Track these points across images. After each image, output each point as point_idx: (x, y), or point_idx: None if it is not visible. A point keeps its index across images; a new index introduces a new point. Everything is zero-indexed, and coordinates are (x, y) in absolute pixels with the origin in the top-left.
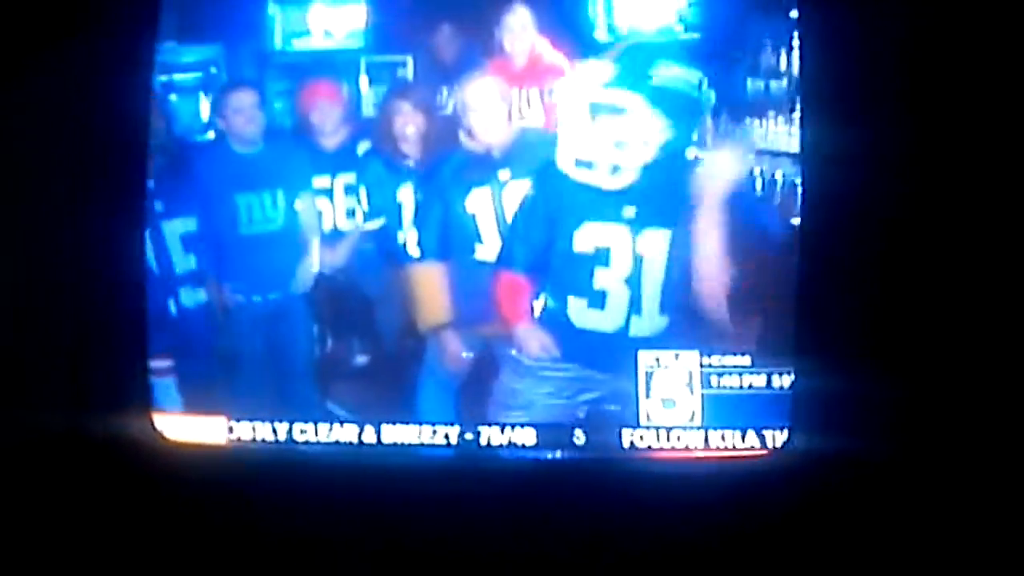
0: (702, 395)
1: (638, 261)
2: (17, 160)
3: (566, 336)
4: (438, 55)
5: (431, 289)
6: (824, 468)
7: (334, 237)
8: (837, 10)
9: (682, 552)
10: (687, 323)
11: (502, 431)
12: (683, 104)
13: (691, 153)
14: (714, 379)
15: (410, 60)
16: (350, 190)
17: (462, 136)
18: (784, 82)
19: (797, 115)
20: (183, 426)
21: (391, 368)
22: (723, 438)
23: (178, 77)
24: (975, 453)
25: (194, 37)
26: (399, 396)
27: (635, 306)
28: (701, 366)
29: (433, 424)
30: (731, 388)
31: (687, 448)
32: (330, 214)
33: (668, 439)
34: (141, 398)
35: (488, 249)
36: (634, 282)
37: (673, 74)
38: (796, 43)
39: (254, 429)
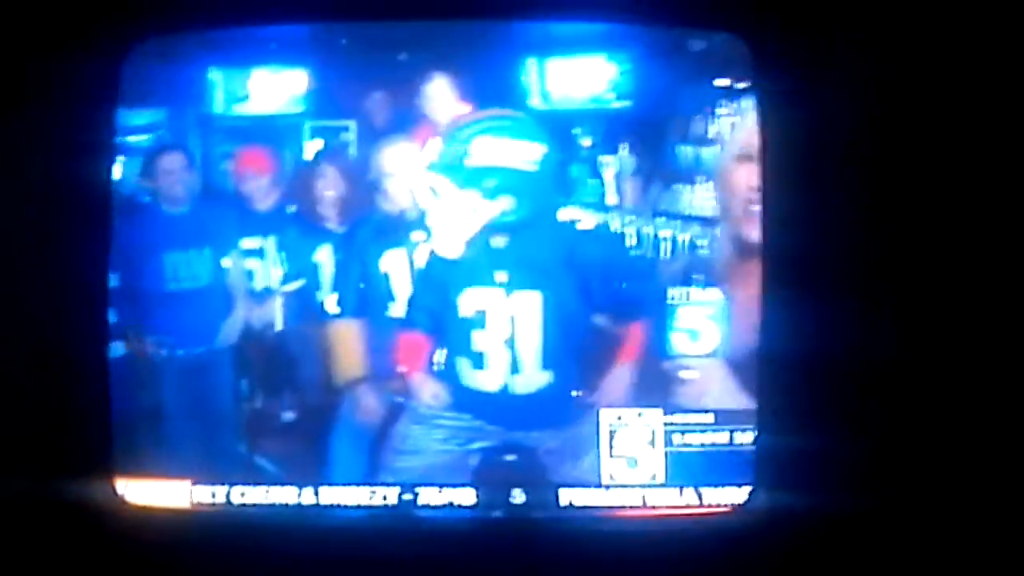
0: (665, 453)
1: (512, 322)
2: None
3: (456, 390)
4: (373, 121)
5: (348, 345)
6: (787, 524)
7: (261, 295)
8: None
9: None
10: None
11: (440, 491)
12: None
13: (563, 215)
14: (676, 437)
15: (353, 124)
16: (276, 250)
17: (379, 199)
18: (703, 149)
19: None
20: (145, 490)
21: (313, 422)
22: (686, 495)
23: (127, 139)
24: (938, 507)
25: (141, 101)
26: (320, 449)
27: (515, 366)
28: (664, 424)
29: (372, 485)
30: (693, 446)
31: (650, 506)
32: (258, 273)
33: (630, 498)
34: (103, 462)
35: (399, 307)
36: (510, 343)
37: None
38: (720, 111)
39: (213, 493)
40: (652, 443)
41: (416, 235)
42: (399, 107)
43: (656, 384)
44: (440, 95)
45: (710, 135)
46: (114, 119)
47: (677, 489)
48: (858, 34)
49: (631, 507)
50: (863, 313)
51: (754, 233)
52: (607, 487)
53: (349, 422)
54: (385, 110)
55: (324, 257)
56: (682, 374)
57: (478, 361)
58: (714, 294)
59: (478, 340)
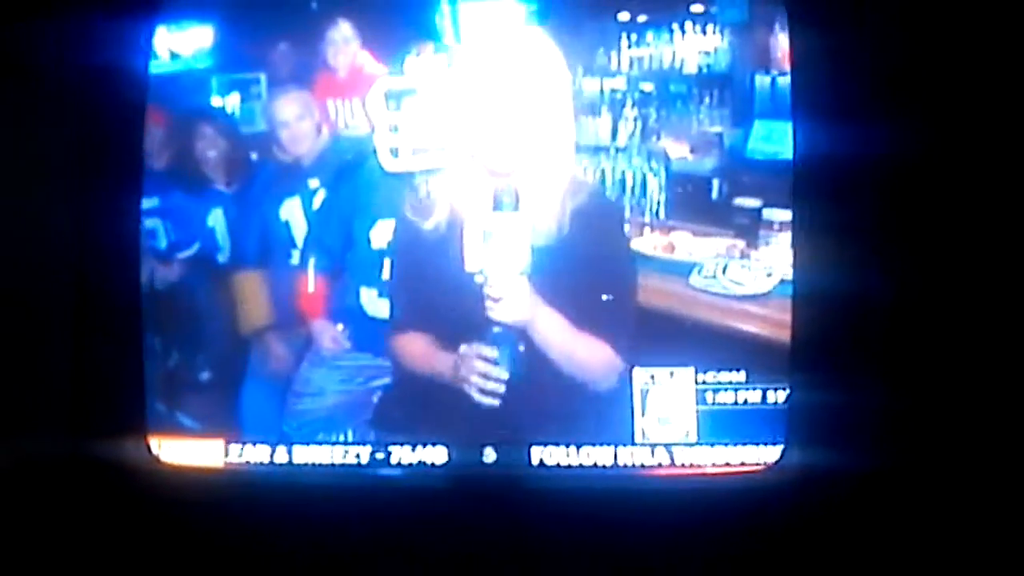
0: (696, 412)
1: None
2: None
3: (357, 327)
4: (279, 72)
5: (252, 297)
6: (819, 483)
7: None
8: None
9: (676, 570)
10: None
11: (413, 449)
12: None
13: None
14: (709, 395)
15: (263, 77)
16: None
17: (274, 149)
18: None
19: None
20: (180, 449)
21: (227, 376)
22: (718, 455)
23: None
24: (971, 465)
25: None
26: (234, 402)
27: None
28: (696, 383)
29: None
30: (726, 404)
31: (683, 465)
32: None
33: (655, 456)
34: (137, 420)
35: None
36: None
37: None
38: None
39: (244, 451)
40: (684, 402)
41: (312, 182)
42: (302, 56)
43: None
44: (343, 40)
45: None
46: None
47: (708, 447)
48: None
49: (663, 466)
50: (900, 268)
51: None
52: (639, 445)
53: (259, 372)
54: (290, 60)
55: (216, 219)
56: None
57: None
58: None
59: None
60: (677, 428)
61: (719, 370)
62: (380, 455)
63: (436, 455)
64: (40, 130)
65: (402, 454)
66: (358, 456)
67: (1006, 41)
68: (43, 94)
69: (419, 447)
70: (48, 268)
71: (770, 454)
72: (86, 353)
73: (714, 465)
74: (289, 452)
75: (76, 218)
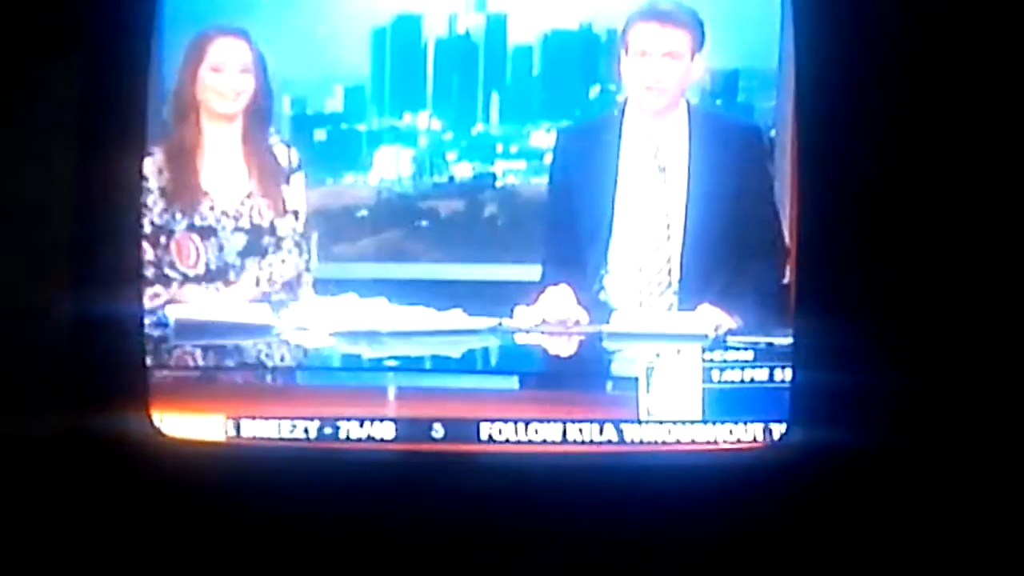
0: (703, 389)
1: None
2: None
3: None
4: None
5: None
6: (822, 460)
7: None
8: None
9: (681, 546)
10: None
11: (360, 425)
12: None
13: None
14: (715, 373)
15: None
16: None
17: None
18: None
19: None
20: (182, 423)
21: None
22: (724, 432)
23: None
24: (973, 447)
25: None
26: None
27: None
28: (702, 361)
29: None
30: (732, 382)
31: (689, 442)
32: None
33: (662, 433)
34: (140, 395)
35: None
36: None
37: None
38: None
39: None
40: (690, 379)
41: None
42: None
43: None
44: None
45: None
46: None
47: (715, 425)
48: None
49: (668, 443)
50: (904, 249)
51: None
52: (644, 422)
53: None
54: None
55: None
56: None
57: None
58: None
59: None
60: (683, 406)
61: (726, 348)
62: (328, 430)
63: (383, 431)
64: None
65: (350, 429)
66: (306, 431)
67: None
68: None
69: (367, 423)
70: (46, 241)
71: (774, 432)
72: (87, 327)
73: (717, 442)
74: (237, 426)
75: (76, 190)
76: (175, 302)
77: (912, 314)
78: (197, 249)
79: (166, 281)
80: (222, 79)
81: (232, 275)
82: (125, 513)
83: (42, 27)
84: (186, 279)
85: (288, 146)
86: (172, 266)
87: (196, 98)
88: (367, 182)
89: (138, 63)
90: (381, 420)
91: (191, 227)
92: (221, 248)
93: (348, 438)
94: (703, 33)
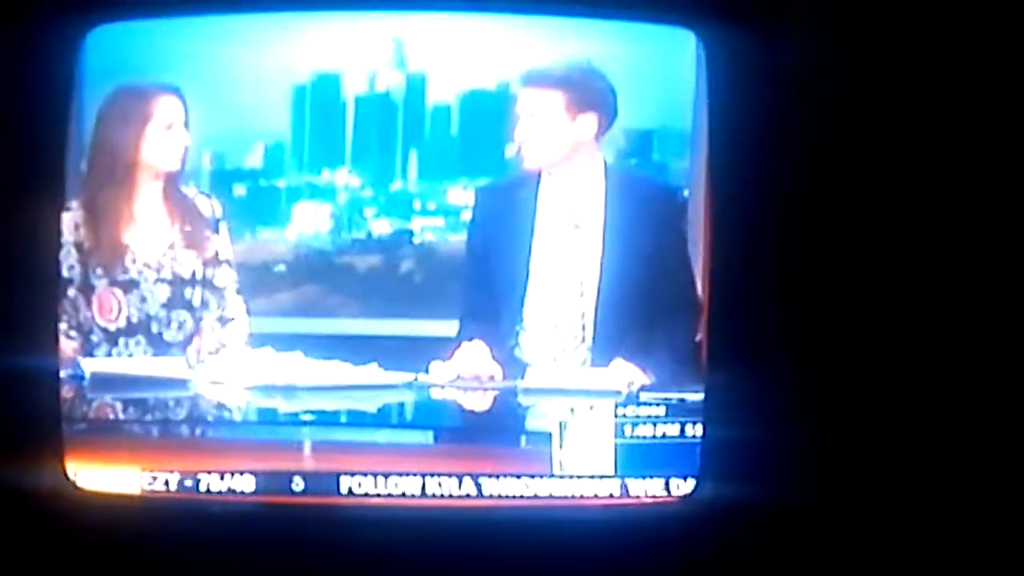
0: (615, 444)
1: None
2: None
3: None
4: None
5: None
6: (733, 516)
7: None
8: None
9: None
10: None
11: (221, 478)
12: None
13: None
14: (628, 428)
15: None
16: None
17: None
18: None
19: None
20: (96, 476)
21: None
22: (635, 487)
23: None
24: (884, 504)
25: None
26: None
27: None
28: (615, 416)
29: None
30: (644, 438)
31: (602, 496)
32: None
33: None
34: (54, 447)
35: None
36: None
37: None
38: None
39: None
40: (603, 434)
41: None
42: None
43: None
44: None
45: None
46: None
47: (627, 479)
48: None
49: (581, 497)
50: (813, 310)
51: None
52: (558, 476)
53: None
54: None
55: None
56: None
57: None
58: None
59: None
60: (596, 460)
61: (639, 404)
62: (189, 482)
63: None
64: None
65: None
66: (167, 482)
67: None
68: None
69: (227, 475)
70: None
71: (685, 487)
72: (3, 377)
73: (629, 497)
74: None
75: None
76: (93, 356)
77: (822, 373)
78: (119, 303)
79: (87, 335)
80: (172, 138)
81: (155, 327)
82: (37, 565)
83: None
84: (107, 333)
85: (209, 197)
86: (93, 321)
87: (139, 156)
88: (285, 237)
89: (59, 113)
90: (292, 473)
91: (112, 282)
92: (143, 300)
93: (262, 491)
94: (586, 91)
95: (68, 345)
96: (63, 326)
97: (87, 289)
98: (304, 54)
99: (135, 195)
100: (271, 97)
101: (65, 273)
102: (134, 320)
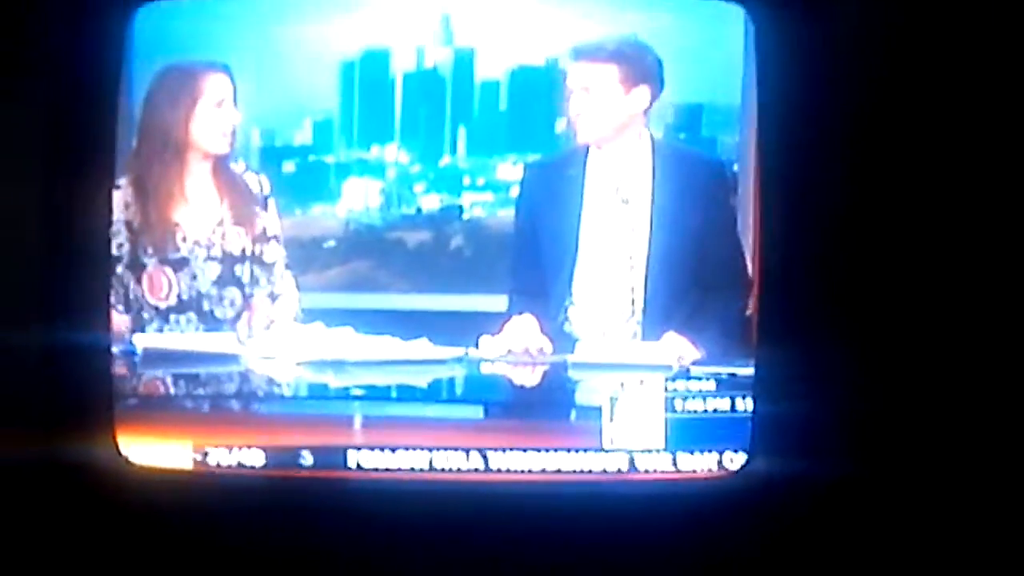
0: (665, 419)
1: None
2: None
3: None
4: None
5: None
6: (784, 491)
7: None
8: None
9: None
10: None
11: (272, 453)
12: None
13: None
14: (678, 403)
15: None
16: None
17: None
18: None
19: None
20: (149, 451)
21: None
22: (686, 461)
23: None
24: (934, 477)
25: None
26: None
27: None
28: (665, 390)
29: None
30: (694, 412)
31: (652, 471)
32: None
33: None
34: (106, 422)
35: None
36: None
37: None
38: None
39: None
40: (653, 409)
41: None
42: None
43: None
44: None
45: None
46: None
47: (677, 454)
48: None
49: (631, 472)
50: (865, 281)
51: None
52: (608, 451)
53: None
54: None
55: None
56: None
57: None
58: None
59: None
60: (646, 435)
61: (689, 379)
62: (240, 457)
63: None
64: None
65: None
66: (218, 458)
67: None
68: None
69: (278, 451)
70: (16, 268)
71: (736, 461)
72: (55, 355)
73: (680, 471)
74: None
75: (47, 216)
76: (144, 332)
77: (873, 345)
78: (169, 281)
79: (138, 313)
80: (222, 116)
81: (206, 304)
82: (90, 540)
83: (8, 53)
84: (157, 311)
85: (257, 173)
86: (143, 299)
87: (188, 135)
88: (335, 213)
89: (109, 92)
90: (347, 448)
91: (163, 260)
92: (194, 278)
93: (312, 466)
94: (639, 64)
95: (120, 321)
96: (114, 303)
97: (137, 267)
98: (352, 30)
99: (185, 173)
100: (320, 74)
101: (115, 251)
102: (184, 298)
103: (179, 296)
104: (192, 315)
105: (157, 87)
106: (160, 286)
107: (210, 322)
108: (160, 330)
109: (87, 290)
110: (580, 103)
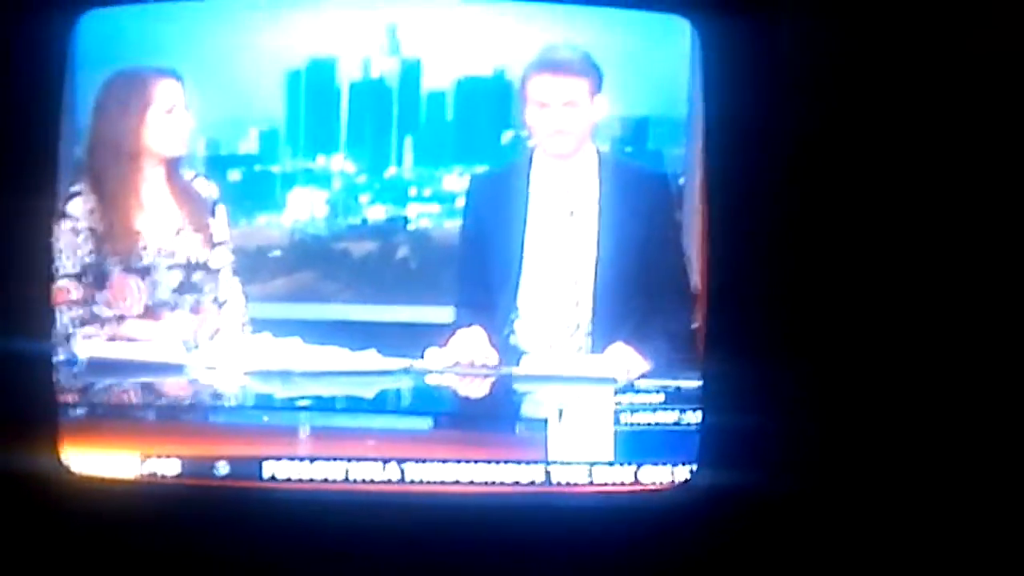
0: (613, 432)
1: None
2: None
3: None
4: None
5: None
6: (731, 503)
7: None
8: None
9: None
10: None
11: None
12: None
13: None
14: (625, 415)
15: None
16: None
17: None
18: None
19: None
20: (92, 461)
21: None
22: (633, 474)
23: None
24: (880, 490)
25: None
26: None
27: None
28: (613, 403)
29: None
30: (641, 424)
31: (599, 483)
32: None
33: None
34: (49, 431)
35: None
36: None
37: None
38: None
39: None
40: (600, 421)
41: None
42: None
43: None
44: None
45: None
46: None
47: (624, 466)
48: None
49: (578, 484)
50: (809, 294)
51: None
52: (553, 463)
53: None
54: None
55: None
56: None
57: None
58: None
59: None
60: (593, 447)
61: (636, 391)
62: (185, 467)
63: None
64: None
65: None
66: (163, 468)
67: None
68: None
69: (224, 461)
70: None
71: (682, 474)
72: None
73: (626, 484)
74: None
75: None
76: (111, 340)
77: (818, 359)
78: (137, 288)
79: (99, 321)
80: (174, 121)
81: (164, 313)
82: (31, 551)
83: None
84: (120, 319)
85: (207, 179)
86: (107, 306)
87: (141, 141)
88: (281, 223)
89: (52, 98)
90: (291, 459)
91: (128, 269)
92: (155, 286)
93: (259, 477)
94: (599, 74)
95: (84, 331)
96: (72, 312)
97: (101, 275)
98: (299, 39)
99: (140, 180)
100: (266, 83)
101: (85, 258)
102: (149, 304)
103: (145, 304)
104: (150, 323)
105: (106, 94)
106: (125, 294)
107: (166, 330)
108: (112, 338)
109: (29, 298)
110: (562, 118)
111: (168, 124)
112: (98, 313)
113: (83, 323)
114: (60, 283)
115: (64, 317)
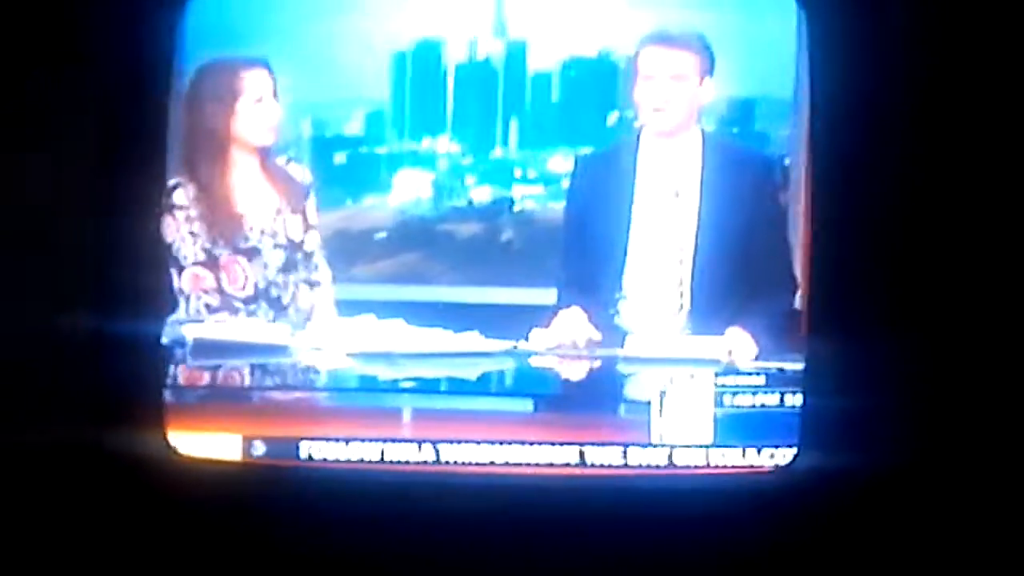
0: (714, 414)
1: None
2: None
3: None
4: None
5: None
6: (833, 486)
7: None
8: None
9: (691, 570)
10: None
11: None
12: None
13: None
14: (727, 398)
15: None
16: None
17: None
18: None
19: None
20: (197, 442)
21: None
22: (735, 456)
23: None
24: (984, 471)
25: None
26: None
27: None
28: (714, 385)
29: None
30: (743, 407)
31: (700, 466)
32: None
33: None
34: (156, 413)
35: None
36: None
37: None
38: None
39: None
40: (702, 403)
41: None
42: None
43: None
44: None
45: None
46: None
47: (726, 449)
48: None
49: (679, 467)
50: (913, 277)
51: None
52: (656, 446)
53: None
54: None
55: None
56: None
57: None
58: None
59: None
60: (694, 430)
61: (738, 373)
62: (289, 449)
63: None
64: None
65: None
66: (267, 449)
67: None
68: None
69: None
70: (70, 260)
71: (784, 456)
72: (106, 346)
73: (728, 466)
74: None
75: (96, 212)
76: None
77: (922, 339)
78: (244, 271)
79: (221, 304)
80: (263, 111)
81: (274, 292)
82: (138, 531)
83: (62, 45)
84: (233, 301)
85: (300, 164)
86: (222, 291)
87: (231, 131)
88: (386, 204)
89: (161, 85)
90: (395, 441)
91: (236, 250)
92: (265, 267)
93: (362, 459)
94: (711, 57)
95: (214, 317)
96: (192, 296)
97: (212, 259)
98: (405, 21)
99: (235, 168)
100: (371, 65)
101: (205, 244)
102: (259, 287)
103: (255, 286)
104: (264, 304)
105: (198, 84)
106: (236, 277)
107: (279, 310)
108: (222, 321)
109: (139, 282)
110: (667, 91)
111: (258, 114)
112: (221, 299)
113: (212, 310)
114: (191, 271)
115: (196, 303)
